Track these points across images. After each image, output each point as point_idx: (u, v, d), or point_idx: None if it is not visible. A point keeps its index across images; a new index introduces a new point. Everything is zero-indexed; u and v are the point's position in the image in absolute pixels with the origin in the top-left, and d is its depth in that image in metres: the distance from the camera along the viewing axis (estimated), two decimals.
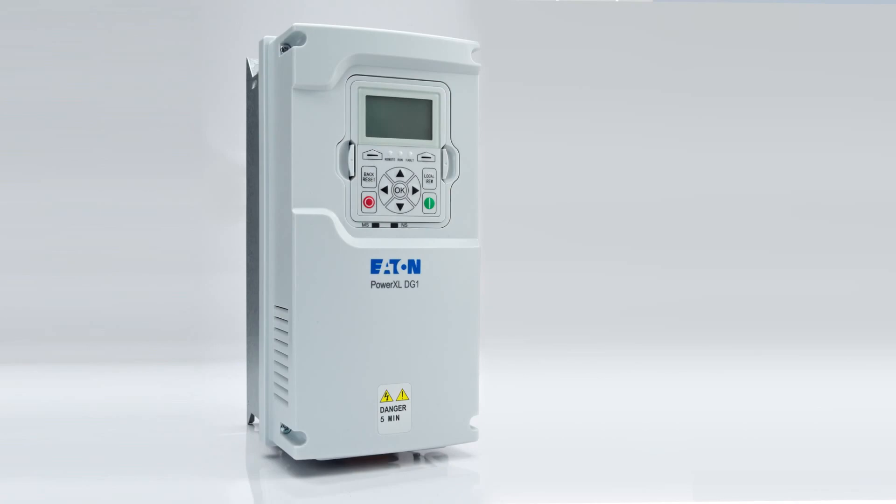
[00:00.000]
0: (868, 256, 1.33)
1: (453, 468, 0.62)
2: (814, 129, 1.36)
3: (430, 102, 0.61)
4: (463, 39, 0.62)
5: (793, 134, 1.36)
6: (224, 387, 0.88)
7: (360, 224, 0.60)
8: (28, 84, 1.22)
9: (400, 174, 0.61)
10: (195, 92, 1.26)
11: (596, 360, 1.08)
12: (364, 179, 0.59)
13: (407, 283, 0.60)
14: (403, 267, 0.60)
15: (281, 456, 0.63)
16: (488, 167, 0.75)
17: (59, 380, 0.95)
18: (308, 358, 0.57)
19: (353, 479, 0.58)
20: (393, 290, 0.60)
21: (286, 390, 0.58)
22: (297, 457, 0.57)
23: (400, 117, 0.61)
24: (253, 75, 0.68)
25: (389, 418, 0.60)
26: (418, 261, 0.60)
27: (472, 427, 0.63)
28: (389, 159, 0.60)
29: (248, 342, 0.71)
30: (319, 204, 0.58)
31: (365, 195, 0.60)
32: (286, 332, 0.59)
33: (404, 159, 0.61)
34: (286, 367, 0.59)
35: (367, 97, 0.60)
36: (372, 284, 0.59)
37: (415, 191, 0.61)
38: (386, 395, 0.60)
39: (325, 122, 0.58)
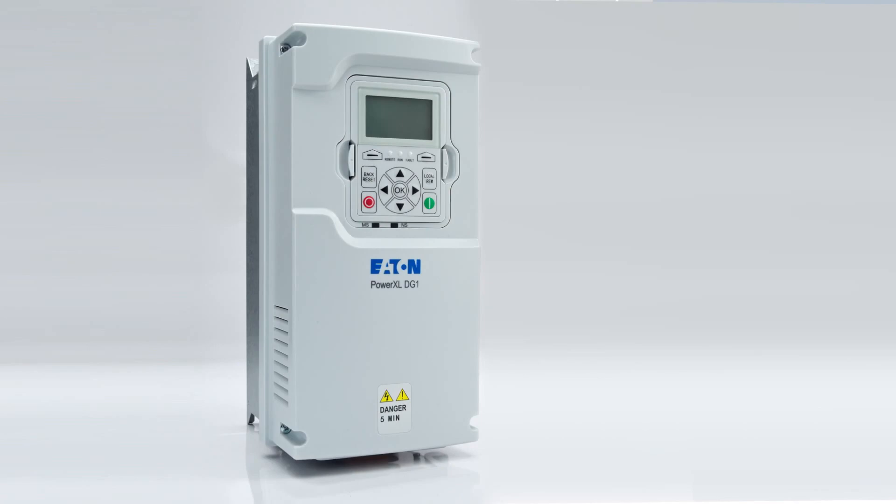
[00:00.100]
0: (868, 256, 1.33)
1: (453, 468, 0.62)
2: (814, 129, 1.36)
3: (430, 102, 0.61)
4: (463, 39, 0.62)
5: (793, 134, 1.36)
6: (224, 387, 0.88)
7: (360, 224, 0.60)
8: (28, 84, 1.22)
9: (400, 174, 0.61)
10: (195, 92, 1.26)
11: (596, 360, 1.08)
12: (364, 179, 0.59)
13: (407, 283, 0.60)
14: (403, 267, 0.60)
15: (281, 456, 0.63)
16: (488, 167, 0.75)
17: (59, 380, 0.95)
18: (308, 358, 0.57)
19: (353, 479, 0.58)
20: (393, 290, 0.60)
21: (286, 390, 0.58)
22: (297, 457, 0.57)
23: (400, 117, 0.61)
24: (253, 75, 0.68)
25: (389, 418, 0.60)
26: (418, 261, 0.60)
27: (472, 427, 0.63)
28: (389, 159, 0.60)
29: (248, 342, 0.71)
30: (319, 204, 0.58)
31: (365, 195, 0.60)
32: (286, 332, 0.59)
33: (404, 159, 0.61)
34: (286, 367, 0.59)
35: (367, 97, 0.60)
36: (372, 284, 0.59)
37: (415, 191, 0.61)
38: (386, 395, 0.60)
39: (325, 122, 0.58)
